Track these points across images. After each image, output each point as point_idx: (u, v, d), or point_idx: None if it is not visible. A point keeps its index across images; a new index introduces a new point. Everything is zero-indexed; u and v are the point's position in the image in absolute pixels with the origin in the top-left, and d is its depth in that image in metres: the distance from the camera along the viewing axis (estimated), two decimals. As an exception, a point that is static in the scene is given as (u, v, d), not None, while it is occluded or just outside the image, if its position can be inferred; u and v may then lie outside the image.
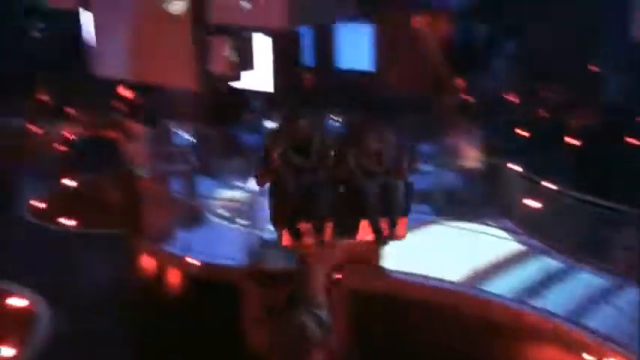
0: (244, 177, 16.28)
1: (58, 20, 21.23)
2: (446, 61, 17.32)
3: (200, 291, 11.36)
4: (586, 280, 10.63)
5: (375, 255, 11.10)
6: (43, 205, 15.79)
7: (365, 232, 7.93)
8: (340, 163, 7.75)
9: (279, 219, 7.64)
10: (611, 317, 9.82)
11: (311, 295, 7.91)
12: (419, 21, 16.89)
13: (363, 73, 18.48)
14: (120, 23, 17.50)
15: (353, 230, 7.83)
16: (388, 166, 7.98)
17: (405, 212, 8.09)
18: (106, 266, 12.44)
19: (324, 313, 7.92)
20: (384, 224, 7.90)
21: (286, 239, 7.57)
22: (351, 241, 7.98)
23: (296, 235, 7.53)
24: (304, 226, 7.54)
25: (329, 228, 7.59)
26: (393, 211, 7.80)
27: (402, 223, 7.96)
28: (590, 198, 11.31)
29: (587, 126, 16.85)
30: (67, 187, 16.70)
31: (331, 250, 8.01)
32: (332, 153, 7.86)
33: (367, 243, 10.73)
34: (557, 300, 10.22)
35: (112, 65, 17.85)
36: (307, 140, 7.74)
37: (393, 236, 7.96)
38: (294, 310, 7.63)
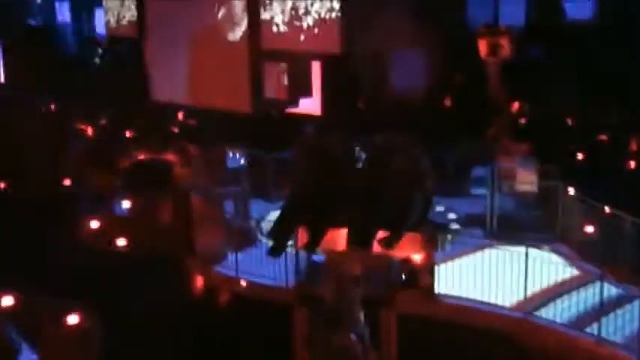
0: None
1: (119, 47, 22.07)
2: (504, 83, 17.16)
3: (250, 311, 11.44)
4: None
5: (428, 278, 11.00)
6: (97, 226, 16.18)
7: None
8: (369, 173, 7.81)
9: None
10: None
11: (345, 310, 7.90)
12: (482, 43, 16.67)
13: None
14: (177, 49, 18.07)
15: (368, 240, 7.85)
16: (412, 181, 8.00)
17: (420, 225, 8.12)
18: (159, 287, 12.63)
19: (362, 328, 7.89)
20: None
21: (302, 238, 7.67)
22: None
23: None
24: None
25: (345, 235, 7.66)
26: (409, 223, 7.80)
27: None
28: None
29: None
30: (122, 209, 17.14)
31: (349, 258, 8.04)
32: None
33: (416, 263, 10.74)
34: (614, 327, 9.88)
35: (170, 90, 18.39)
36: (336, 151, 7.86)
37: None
38: (334, 328, 7.63)
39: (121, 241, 14.97)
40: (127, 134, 19.20)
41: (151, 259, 13.96)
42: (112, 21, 23.00)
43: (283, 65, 18.85)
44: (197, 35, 19.23)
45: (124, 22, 22.38)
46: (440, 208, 16.09)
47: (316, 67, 19.12)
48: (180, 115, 21.11)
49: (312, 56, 18.98)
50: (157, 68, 19.40)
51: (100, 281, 12.99)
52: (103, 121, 20.35)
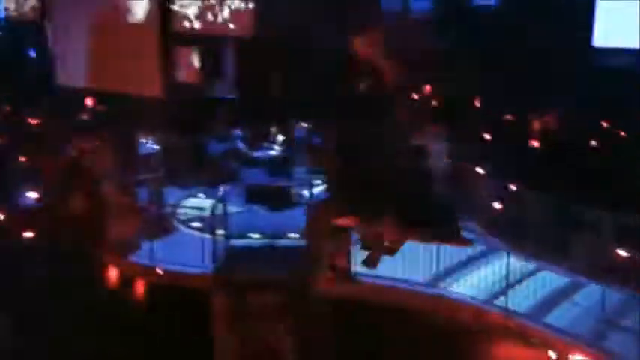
0: (210, 185, 16.31)
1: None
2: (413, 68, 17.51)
3: (168, 300, 11.31)
4: (549, 279, 10.82)
5: (343, 258, 11.18)
6: (2, 218, 15.55)
7: None
8: None
9: None
10: (574, 314, 10.02)
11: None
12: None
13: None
14: (82, 32, 17.42)
15: None
16: None
17: None
18: (73, 279, 12.31)
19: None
20: None
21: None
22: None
23: None
24: None
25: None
26: None
27: None
28: (552, 199, 11.56)
29: (550, 129, 17.18)
30: (30, 200, 16.52)
31: None
32: None
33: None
34: (521, 299, 10.39)
35: (76, 75, 17.74)
36: None
37: None
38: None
39: (29, 234, 14.47)
40: (33, 121, 18.47)
41: (61, 251, 13.57)
42: (13, 6, 21.98)
43: (195, 49, 18.56)
44: (103, 17, 18.62)
45: (26, 6, 21.43)
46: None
47: (230, 52, 18.94)
48: (89, 101, 20.44)
49: (225, 40, 18.77)
50: (63, 52, 18.66)
51: (6, 275, 12.53)
52: (6, 108, 19.48)
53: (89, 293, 11.87)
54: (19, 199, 16.27)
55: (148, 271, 12.15)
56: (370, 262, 9.01)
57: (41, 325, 10.47)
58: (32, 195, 15.02)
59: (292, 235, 12.79)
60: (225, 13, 18.18)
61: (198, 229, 13.35)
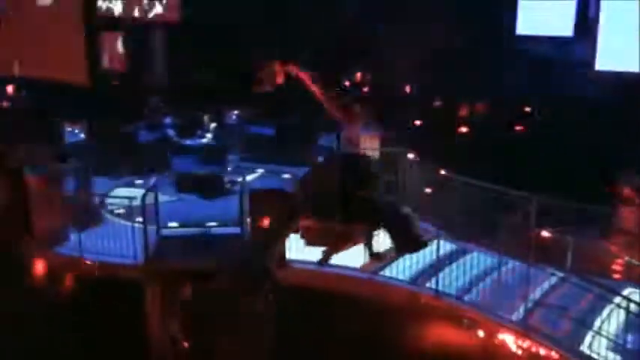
0: (141, 174, 16.01)
1: None
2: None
3: (98, 291, 11.07)
4: (478, 260, 11.13)
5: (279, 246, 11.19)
6: None
7: None
8: None
9: None
10: (501, 294, 10.34)
11: None
12: None
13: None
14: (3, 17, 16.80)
15: None
16: None
17: None
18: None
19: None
20: None
21: None
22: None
23: None
24: None
25: None
26: None
27: None
28: (480, 183, 11.86)
29: (478, 115, 17.64)
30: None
31: None
32: None
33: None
34: (451, 280, 10.65)
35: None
36: None
37: None
38: None
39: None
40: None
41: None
42: None
43: (120, 34, 18.14)
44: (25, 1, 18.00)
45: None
46: (286, 176, 16.44)
47: (158, 38, 18.60)
48: (10, 88, 19.70)
49: (152, 25, 18.43)
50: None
51: None
52: None
53: (15, 287, 11.49)
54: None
55: (76, 262, 11.83)
56: (324, 259, 9.25)
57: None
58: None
59: (225, 223, 12.70)
60: (154, -3, 17.82)
61: (128, 218, 13.07)
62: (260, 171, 17.09)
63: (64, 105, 16.82)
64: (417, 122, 17.43)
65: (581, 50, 19.22)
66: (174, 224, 12.48)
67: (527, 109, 18.10)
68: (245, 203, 11.28)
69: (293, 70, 9.07)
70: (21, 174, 12.27)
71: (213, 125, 16.95)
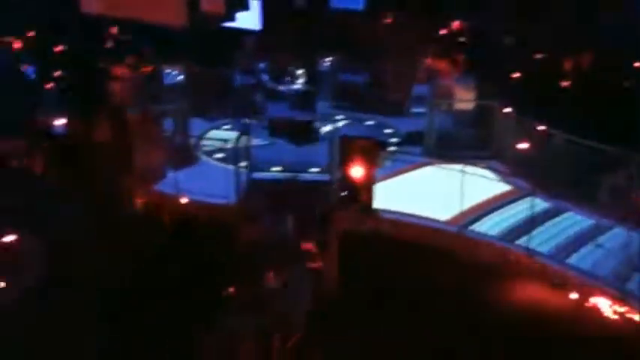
0: (235, 117, 16.27)
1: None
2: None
3: (191, 229, 11.44)
4: (573, 221, 10.76)
5: (367, 195, 11.20)
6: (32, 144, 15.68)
7: None
8: None
9: None
10: (597, 257, 9.98)
11: None
12: None
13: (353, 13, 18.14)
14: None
15: None
16: None
17: None
18: (96, 205, 12.46)
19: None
20: None
21: None
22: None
23: None
24: None
25: None
26: None
27: None
28: (579, 140, 11.38)
29: (581, 68, 16.77)
30: (57, 128, 16.60)
31: None
32: None
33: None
34: (544, 240, 10.36)
35: (101, 2, 17.51)
36: None
37: None
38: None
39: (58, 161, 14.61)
40: (57, 48, 18.38)
41: (88, 179, 13.73)
42: None
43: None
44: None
45: None
46: (379, 125, 16.32)
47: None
48: (113, 30, 20.25)
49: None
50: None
51: (38, 201, 12.72)
52: (30, 34, 19.37)
53: (116, 220, 12.03)
54: (48, 127, 16.37)
55: (172, 200, 12.26)
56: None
57: (69, 252, 10.66)
58: (59, 123, 15.04)
59: (315, 169, 12.80)
60: None
61: (222, 160, 13.38)
62: (350, 118, 17.03)
63: (163, 47, 17.17)
64: (516, 75, 16.75)
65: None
66: (265, 168, 12.68)
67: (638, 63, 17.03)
68: (335, 150, 11.27)
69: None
70: (123, 114, 12.71)
71: (305, 71, 16.92)
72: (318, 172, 12.48)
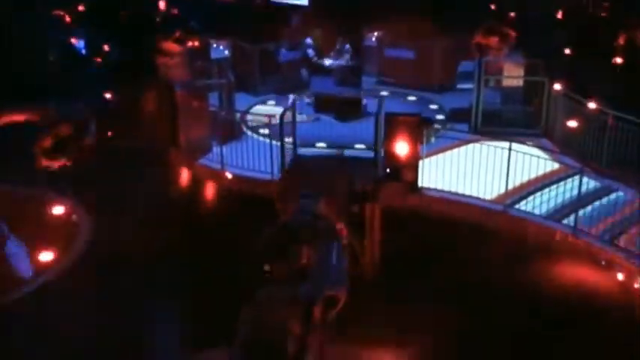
0: (281, 92, 16.31)
1: None
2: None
3: (236, 204, 11.58)
4: (622, 200, 10.51)
5: (412, 171, 11.14)
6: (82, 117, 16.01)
7: None
8: None
9: None
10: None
11: None
12: None
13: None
14: None
15: None
16: None
17: None
18: (144, 179, 12.71)
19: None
20: None
21: None
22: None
23: None
24: None
25: None
26: None
27: None
28: (631, 118, 11.08)
29: (634, 44, 16.24)
30: (104, 101, 16.93)
31: None
32: None
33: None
34: (592, 219, 10.16)
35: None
36: None
37: None
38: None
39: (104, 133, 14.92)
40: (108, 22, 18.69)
41: (136, 151, 13.99)
42: None
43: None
44: None
45: None
46: (425, 102, 16.15)
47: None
48: (162, 4, 20.47)
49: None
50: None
51: (85, 173, 13.04)
52: (80, 7, 19.73)
53: (161, 192, 12.26)
54: (96, 99, 16.67)
55: (217, 174, 12.42)
56: None
57: (113, 221, 10.92)
58: (107, 95, 15.29)
59: (360, 145, 12.76)
60: None
61: (266, 135, 13.46)
62: (398, 94, 16.90)
63: (210, 22, 17.27)
64: (567, 51, 16.33)
65: None
66: (310, 143, 12.69)
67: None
68: (381, 127, 11.21)
69: None
70: (171, 88, 12.86)
71: (351, 47, 16.80)
72: (363, 149, 12.44)
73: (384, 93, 16.47)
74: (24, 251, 9.80)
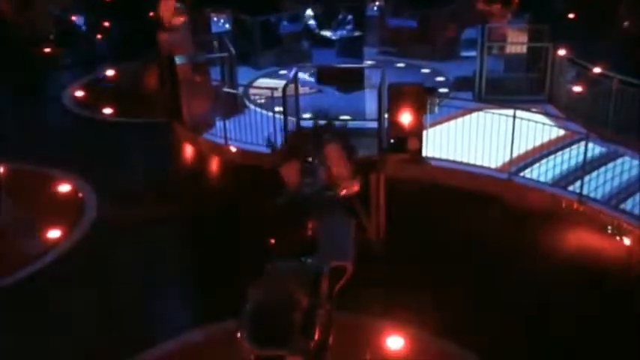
0: (282, 65, 16.21)
1: None
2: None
3: (240, 178, 11.57)
4: (628, 166, 10.43)
5: (416, 141, 11.09)
6: (82, 94, 16.06)
7: None
8: None
9: None
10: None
11: None
12: None
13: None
14: None
15: None
16: None
17: None
18: (146, 154, 12.71)
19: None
20: None
21: None
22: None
23: None
24: None
25: None
26: None
27: None
28: (637, 82, 10.97)
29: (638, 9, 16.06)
30: (105, 76, 16.89)
31: None
32: None
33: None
34: (598, 185, 10.11)
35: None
36: None
37: None
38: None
39: (108, 109, 14.90)
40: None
41: (138, 125, 13.97)
42: None
43: None
44: None
45: None
46: (428, 71, 16.02)
47: None
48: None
49: None
50: None
51: (89, 148, 13.04)
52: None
53: (165, 167, 12.26)
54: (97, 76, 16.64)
55: (220, 149, 12.39)
56: None
57: (117, 197, 10.92)
58: (109, 72, 15.33)
59: (363, 117, 12.71)
60: None
61: (269, 108, 13.38)
62: (400, 65, 16.78)
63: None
64: (571, 15, 16.16)
65: None
66: (313, 115, 12.62)
67: None
68: (383, 98, 11.13)
69: None
70: (172, 62, 12.78)
71: (352, 17, 16.64)
72: (366, 120, 12.38)
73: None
74: (32, 228, 9.86)
